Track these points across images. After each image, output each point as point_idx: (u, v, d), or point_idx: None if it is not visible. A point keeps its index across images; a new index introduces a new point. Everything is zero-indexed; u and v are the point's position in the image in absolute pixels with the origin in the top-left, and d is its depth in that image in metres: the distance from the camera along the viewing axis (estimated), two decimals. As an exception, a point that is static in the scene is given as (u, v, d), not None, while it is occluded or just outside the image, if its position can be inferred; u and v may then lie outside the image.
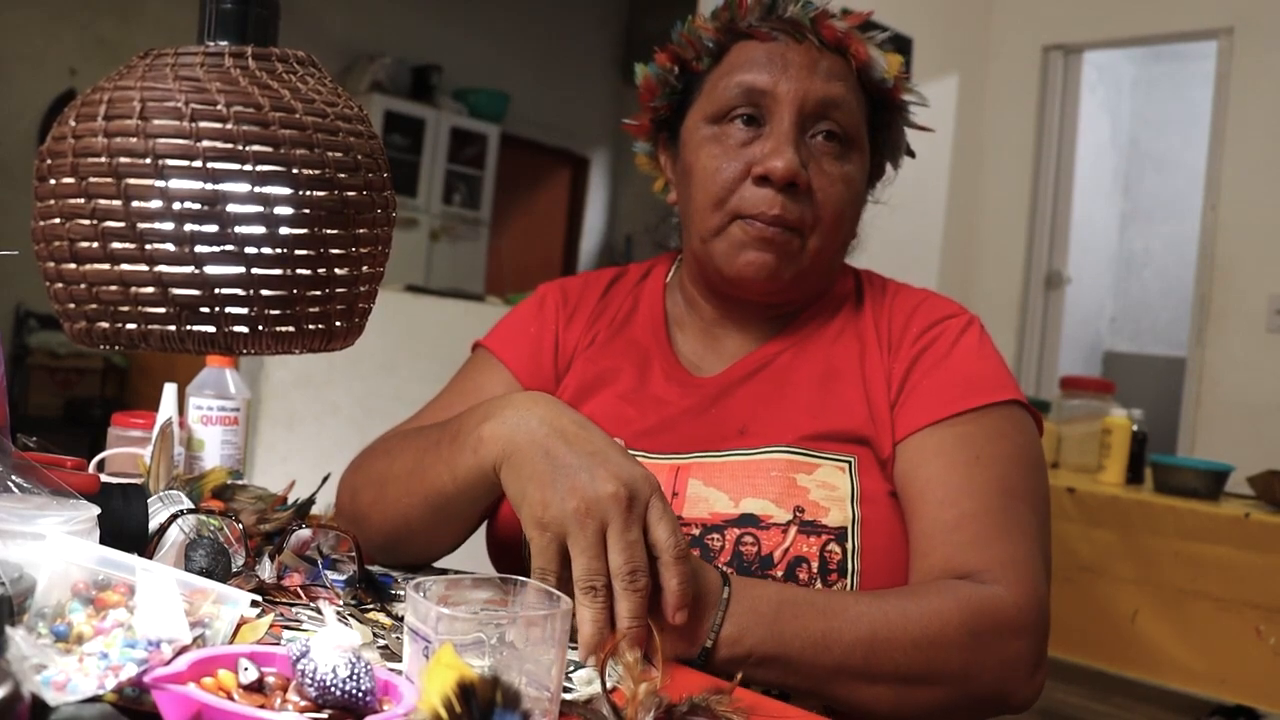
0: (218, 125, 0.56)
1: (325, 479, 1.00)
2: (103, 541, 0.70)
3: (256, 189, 0.57)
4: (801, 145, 0.99)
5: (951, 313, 1.04)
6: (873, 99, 1.05)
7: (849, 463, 0.95)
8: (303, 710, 0.55)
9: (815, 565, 0.91)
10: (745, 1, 1.04)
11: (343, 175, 0.60)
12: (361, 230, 0.62)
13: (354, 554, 0.89)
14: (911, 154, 1.13)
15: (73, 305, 0.59)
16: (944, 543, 0.90)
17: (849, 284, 1.10)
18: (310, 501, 0.98)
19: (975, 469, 0.93)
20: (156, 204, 0.56)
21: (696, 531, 0.94)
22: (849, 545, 0.92)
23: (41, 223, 0.59)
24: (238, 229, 0.56)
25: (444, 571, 1.00)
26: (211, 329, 0.58)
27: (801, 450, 0.96)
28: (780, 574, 0.91)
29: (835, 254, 1.05)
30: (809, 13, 1.02)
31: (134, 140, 0.56)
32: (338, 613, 0.80)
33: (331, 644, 0.56)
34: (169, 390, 1.15)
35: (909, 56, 3.90)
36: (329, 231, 0.59)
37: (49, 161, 0.59)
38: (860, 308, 1.07)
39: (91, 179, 0.56)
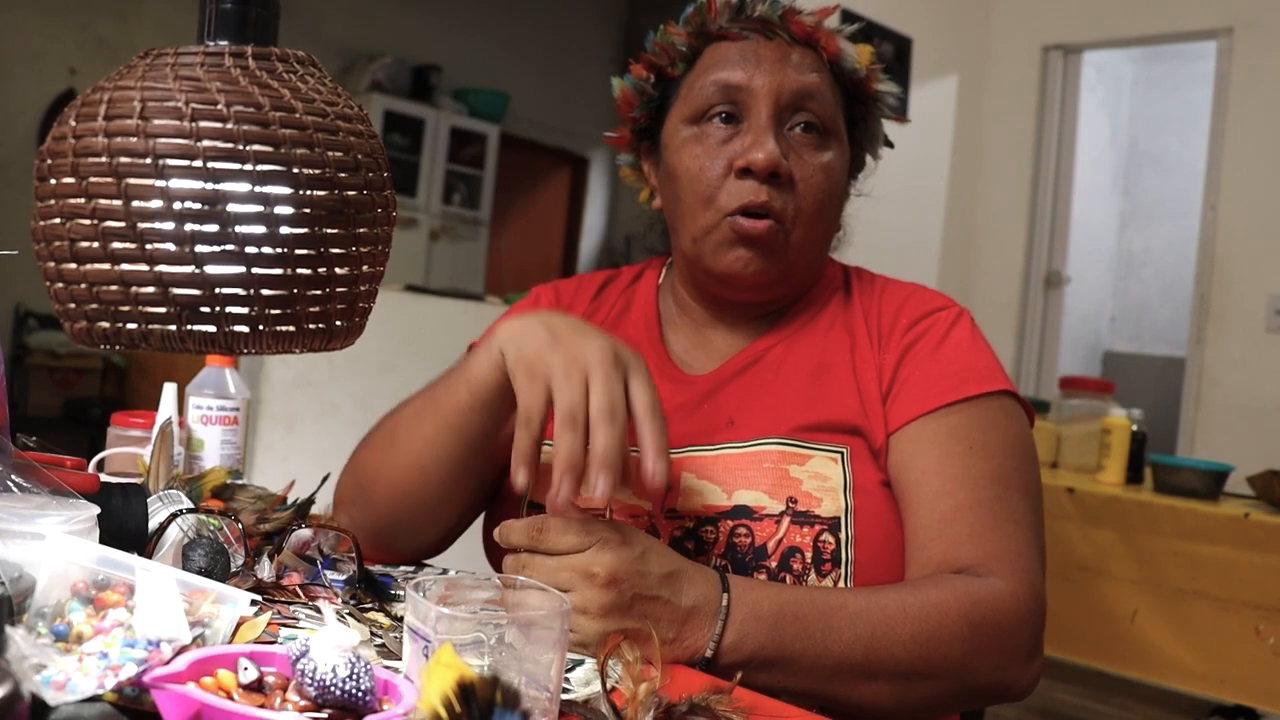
0: (218, 125, 0.56)
1: (325, 479, 1.00)
2: (102, 541, 0.70)
3: (257, 188, 0.57)
4: (781, 137, 1.00)
5: (941, 305, 1.05)
6: (847, 91, 1.06)
7: (841, 453, 0.96)
8: (302, 710, 0.55)
9: (809, 556, 0.92)
10: (714, 4, 1.05)
11: (343, 175, 0.60)
12: (362, 230, 0.62)
13: (354, 554, 0.89)
14: (890, 144, 1.13)
15: (73, 305, 0.59)
16: (940, 535, 0.91)
17: (837, 279, 1.11)
18: (310, 501, 0.98)
19: (970, 460, 0.94)
20: (157, 204, 0.56)
21: (690, 524, 0.95)
22: (842, 535, 0.92)
23: (42, 223, 0.59)
24: (238, 229, 0.56)
25: (444, 572, 1.00)
26: (212, 328, 0.58)
27: (793, 441, 0.96)
28: (774, 565, 0.92)
29: (820, 245, 1.06)
30: (777, 10, 1.04)
31: (134, 140, 0.56)
32: (336, 612, 0.80)
33: (331, 643, 0.56)
34: (169, 390, 1.15)
35: (909, 56, 3.90)
36: (329, 231, 0.59)
37: (49, 161, 0.58)
38: (849, 302, 1.08)
39: (92, 179, 0.56)
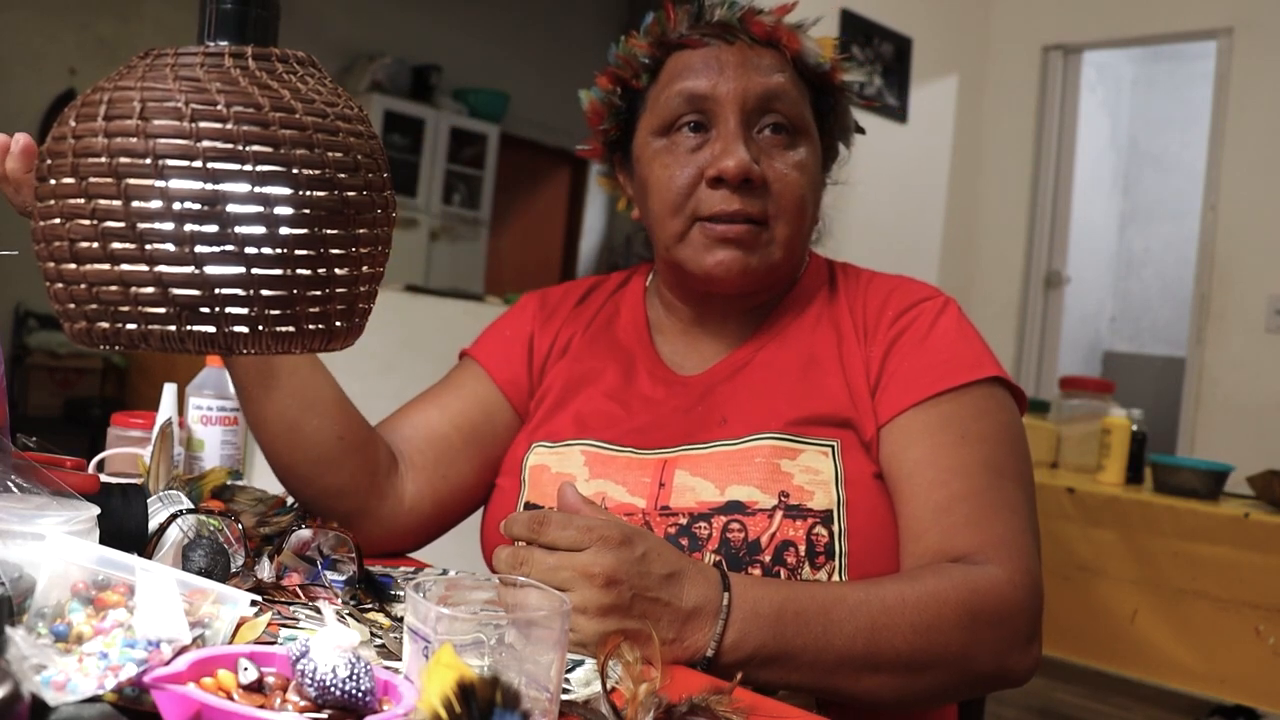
0: (218, 125, 0.56)
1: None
2: (102, 541, 0.70)
3: (256, 189, 0.56)
4: (750, 142, 1.00)
5: (927, 295, 1.05)
6: (813, 85, 1.06)
7: (832, 446, 0.96)
8: (302, 710, 0.55)
9: (802, 549, 0.92)
10: (672, 13, 1.05)
11: (343, 175, 0.60)
12: (361, 230, 0.62)
13: (354, 554, 0.89)
14: (861, 130, 1.13)
15: (73, 305, 0.59)
16: (935, 525, 0.91)
17: (822, 274, 1.11)
18: (310, 501, 0.98)
19: (962, 449, 0.94)
20: (156, 204, 0.56)
21: (684, 521, 0.95)
22: (835, 528, 0.92)
23: (41, 223, 0.59)
24: (238, 229, 0.56)
25: (444, 572, 1.00)
26: (211, 329, 0.57)
27: (785, 436, 0.97)
28: (768, 559, 0.92)
29: (801, 241, 1.06)
30: (736, 13, 1.04)
31: (134, 140, 0.56)
32: (336, 613, 0.80)
33: (331, 644, 0.56)
34: (169, 390, 1.15)
35: (908, 56, 3.90)
36: (329, 231, 0.59)
37: (49, 161, 0.58)
38: (835, 296, 1.08)
39: (91, 179, 0.56)
